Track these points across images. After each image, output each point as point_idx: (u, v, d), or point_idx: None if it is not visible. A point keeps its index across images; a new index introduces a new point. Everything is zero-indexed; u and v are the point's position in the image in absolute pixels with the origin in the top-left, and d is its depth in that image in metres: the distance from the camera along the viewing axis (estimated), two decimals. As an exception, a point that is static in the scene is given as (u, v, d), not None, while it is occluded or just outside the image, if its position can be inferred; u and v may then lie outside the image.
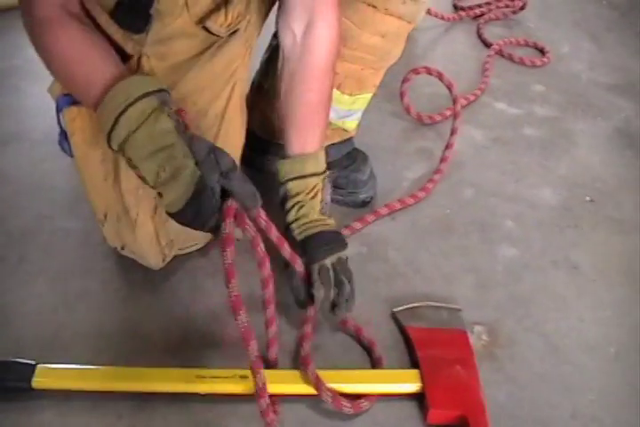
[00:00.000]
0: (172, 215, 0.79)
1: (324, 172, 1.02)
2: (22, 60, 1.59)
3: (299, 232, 1.00)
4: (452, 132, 1.39)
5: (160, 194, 0.80)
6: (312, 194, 1.00)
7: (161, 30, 0.90)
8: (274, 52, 1.17)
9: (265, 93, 1.19)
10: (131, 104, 0.78)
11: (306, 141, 1.01)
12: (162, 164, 0.77)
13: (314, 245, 0.98)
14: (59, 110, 0.96)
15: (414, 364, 0.95)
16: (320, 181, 1.01)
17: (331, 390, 0.87)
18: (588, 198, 1.34)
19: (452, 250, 1.18)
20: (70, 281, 1.05)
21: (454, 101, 1.37)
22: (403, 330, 1.02)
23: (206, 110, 0.98)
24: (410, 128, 1.49)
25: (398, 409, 0.91)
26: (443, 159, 1.36)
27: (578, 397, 0.95)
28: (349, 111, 1.18)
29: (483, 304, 1.08)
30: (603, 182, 1.39)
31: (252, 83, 1.21)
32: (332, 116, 1.11)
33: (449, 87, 1.35)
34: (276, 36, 1.18)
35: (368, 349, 0.98)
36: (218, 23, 0.93)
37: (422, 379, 0.91)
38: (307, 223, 1.00)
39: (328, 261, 0.97)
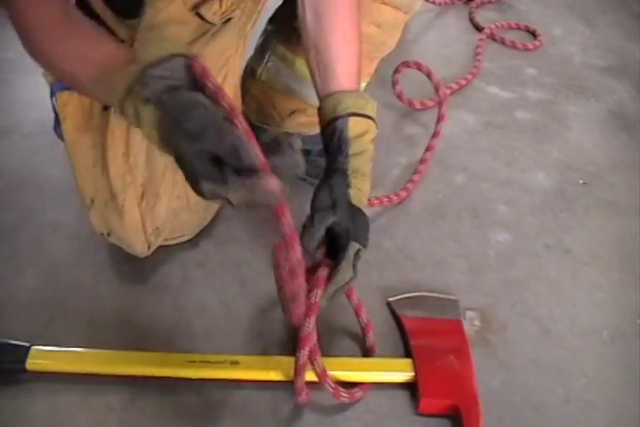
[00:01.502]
0: None
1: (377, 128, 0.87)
2: (13, 53, 1.57)
3: (352, 196, 0.83)
4: (436, 133, 1.33)
5: None
6: (371, 149, 0.84)
7: (154, 16, 0.89)
8: (268, 36, 1.16)
9: (258, 79, 1.18)
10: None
11: (355, 76, 0.88)
12: None
13: (363, 228, 0.83)
14: (52, 95, 0.95)
15: (407, 353, 0.95)
16: (373, 138, 0.86)
17: (333, 380, 0.86)
18: (581, 181, 1.33)
19: (445, 236, 1.18)
20: (61, 274, 1.05)
21: (440, 104, 1.31)
22: (397, 319, 1.01)
23: None
24: (401, 114, 1.48)
25: (391, 398, 0.91)
26: (427, 149, 1.31)
27: (571, 381, 0.95)
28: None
29: (475, 290, 1.08)
30: (596, 165, 1.38)
31: (245, 68, 1.20)
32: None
33: (436, 87, 1.30)
34: (271, 21, 1.17)
35: (362, 334, 0.97)
36: (212, 11, 0.91)
37: (415, 368, 0.91)
38: (362, 191, 0.84)
39: (364, 251, 0.83)
